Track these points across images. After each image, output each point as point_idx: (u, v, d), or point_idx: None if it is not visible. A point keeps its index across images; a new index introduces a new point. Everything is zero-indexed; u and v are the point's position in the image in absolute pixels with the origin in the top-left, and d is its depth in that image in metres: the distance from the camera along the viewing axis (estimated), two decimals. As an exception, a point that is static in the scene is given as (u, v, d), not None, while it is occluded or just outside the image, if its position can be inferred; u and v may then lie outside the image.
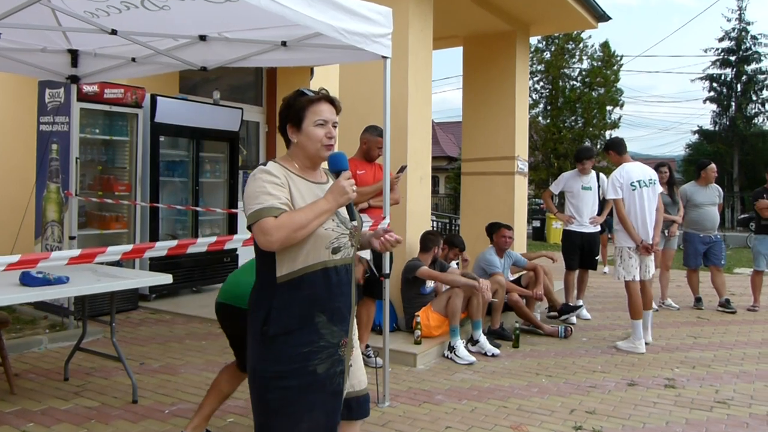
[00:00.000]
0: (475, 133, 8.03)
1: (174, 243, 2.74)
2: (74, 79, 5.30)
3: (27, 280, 3.56)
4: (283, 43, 3.99)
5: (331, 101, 2.20)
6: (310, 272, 2.10)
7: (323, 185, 2.20)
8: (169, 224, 7.41)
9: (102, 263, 4.51)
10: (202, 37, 4.20)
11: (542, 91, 24.29)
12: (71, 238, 5.63)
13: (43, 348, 5.19)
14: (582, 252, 6.88)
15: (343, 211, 2.19)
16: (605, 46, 23.85)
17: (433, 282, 5.53)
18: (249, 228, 2.07)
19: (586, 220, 6.85)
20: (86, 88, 6.00)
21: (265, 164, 2.16)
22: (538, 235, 18.34)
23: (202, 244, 2.95)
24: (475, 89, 8.04)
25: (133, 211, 6.74)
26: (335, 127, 2.20)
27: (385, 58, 3.73)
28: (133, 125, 6.71)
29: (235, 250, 7.30)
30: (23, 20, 3.84)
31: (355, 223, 2.21)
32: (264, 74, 9.49)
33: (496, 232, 6.30)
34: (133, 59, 4.75)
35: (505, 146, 7.77)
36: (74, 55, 5.06)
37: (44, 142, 6.12)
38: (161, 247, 2.63)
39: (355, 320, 2.30)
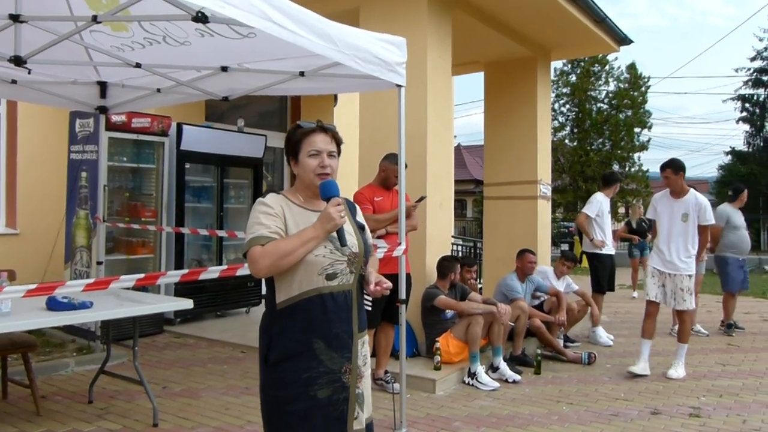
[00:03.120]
0: (497, 158, 8.04)
1: (185, 271, 2.79)
2: (103, 109, 5.47)
3: (53, 305, 3.66)
4: (301, 73, 4.08)
5: (326, 131, 2.25)
6: (305, 299, 2.14)
7: None
8: (195, 249, 7.53)
9: (128, 288, 4.61)
10: (224, 68, 4.31)
11: (568, 113, 24.16)
12: (99, 263, 5.75)
13: (70, 371, 5.29)
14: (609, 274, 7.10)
15: (350, 237, 2.23)
16: (632, 67, 23.69)
17: (452, 307, 5.51)
18: (244, 257, 2.15)
19: (610, 243, 7.06)
20: (114, 118, 6.19)
21: (264, 196, 2.25)
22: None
23: (213, 271, 3.00)
24: (497, 114, 8.07)
25: (159, 236, 6.88)
26: (332, 156, 2.25)
27: (399, 86, 3.78)
28: (159, 153, 6.89)
29: (258, 274, 7.37)
30: (57, 56, 4.01)
31: (353, 249, 2.22)
32: (289, 101, 9.67)
33: (522, 258, 6.30)
34: (158, 90, 4.88)
35: (527, 170, 7.77)
36: (103, 87, 5.22)
37: (74, 171, 6.30)
38: (173, 275, 2.69)
39: (364, 347, 2.30)
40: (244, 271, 3.36)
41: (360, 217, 2.44)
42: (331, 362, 2.15)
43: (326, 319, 2.15)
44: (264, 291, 2.26)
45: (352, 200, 2.58)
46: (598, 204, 6.93)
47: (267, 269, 2.08)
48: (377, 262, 2.54)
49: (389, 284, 2.24)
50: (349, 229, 2.26)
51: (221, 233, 6.66)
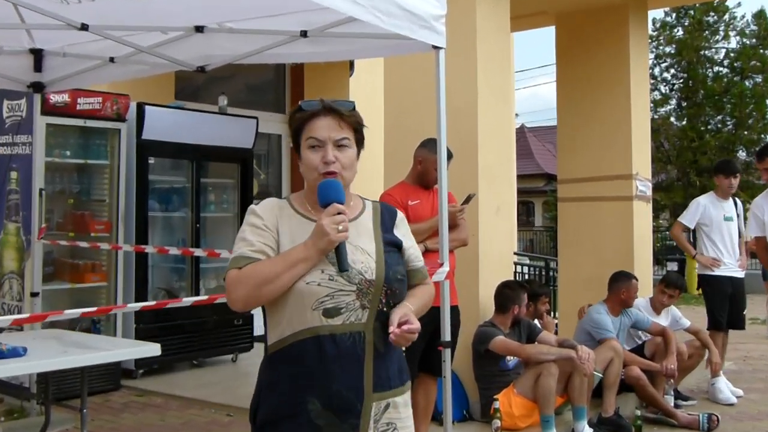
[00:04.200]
0: (575, 144, 7.99)
1: (149, 303, 2.81)
2: (38, 86, 5.55)
3: (-28, 353, 3.69)
4: (303, 34, 4.10)
5: (332, 112, 2.26)
6: (297, 341, 2.18)
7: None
8: (162, 274, 7.58)
9: (73, 329, 4.66)
10: (199, 29, 4.35)
11: (674, 81, 23.95)
12: (34, 294, 5.78)
13: (-3, 441, 5.36)
14: (731, 305, 6.95)
15: (363, 258, 2.23)
16: (761, 16, 23.37)
17: (515, 352, 5.50)
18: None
19: (733, 260, 6.94)
20: (54, 98, 6.24)
21: (258, 202, 2.32)
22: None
23: (185, 301, 3.02)
24: (574, 83, 8.01)
25: (115, 257, 6.92)
26: (343, 147, 2.26)
27: (437, 48, 3.78)
28: (114, 144, 6.95)
29: (248, 308, 7.39)
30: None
31: (366, 275, 2.21)
32: (287, 71, 9.76)
33: (620, 284, 6.26)
34: (112, 59, 4.94)
35: (618, 161, 7.72)
36: (38, 57, 5.30)
37: (1, 170, 6.38)
38: (132, 307, 2.72)
39: (388, 413, 2.27)
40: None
41: (401, 230, 2.42)
42: (330, 429, 2.16)
43: (324, 370, 2.16)
44: (257, 331, 2.27)
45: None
46: (700, 209, 6.94)
47: (243, 300, 2.16)
48: (429, 292, 2.47)
49: (415, 325, 2.18)
50: (363, 246, 2.26)
51: (198, 252, 6.71)
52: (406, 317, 2.18)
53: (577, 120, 7.97)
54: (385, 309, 2.23)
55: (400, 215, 2.47)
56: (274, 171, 9.77)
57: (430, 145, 4.76)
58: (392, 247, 2.34)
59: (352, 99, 2.38)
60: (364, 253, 2.23)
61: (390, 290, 2.25)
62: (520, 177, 19.19)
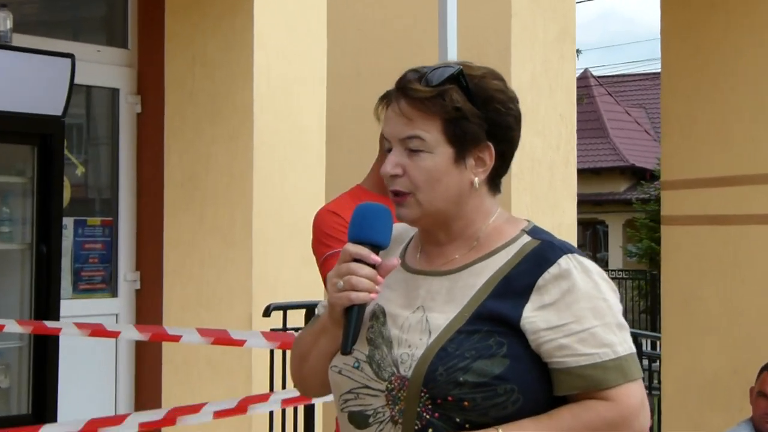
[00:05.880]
0: (695, 115, 7.74)
1: None
2: None
3: None
4: None
5: (401, 92, 2.36)
6: None
7: (434, 278, 2.34)
8: None
9: None
10: None
11: None
12: None
13: None
14: None
15: (408, 345, 2.31)
16: None
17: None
18: None
19: None
20: None
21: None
22: None
23: None
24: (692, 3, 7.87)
25: None
26: (415, 151, 2.35)
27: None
28: None
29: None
30: None
31: (399, 369, 2.26)
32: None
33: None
34: None
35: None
36: None
37: None
38: None
39: None
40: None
41: (548, 295, 2.22)
42: None
43: None
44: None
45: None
46: None
47: (297, 383, 2.61)
48: (586, 420, 2.16)
49: None
50: (433, 319, 2.26)
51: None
52: None
53: (698, 69, 7.78)
54: (431, 430, 2.27)
55: (561, 267, 2.28)
56: (104, 159, 9.20)
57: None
58: (488, 324, 2.24)
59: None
60: (425, 331, 2.27)
61: (441, 399, 2.22)
62: (585, 173, 18.31)
